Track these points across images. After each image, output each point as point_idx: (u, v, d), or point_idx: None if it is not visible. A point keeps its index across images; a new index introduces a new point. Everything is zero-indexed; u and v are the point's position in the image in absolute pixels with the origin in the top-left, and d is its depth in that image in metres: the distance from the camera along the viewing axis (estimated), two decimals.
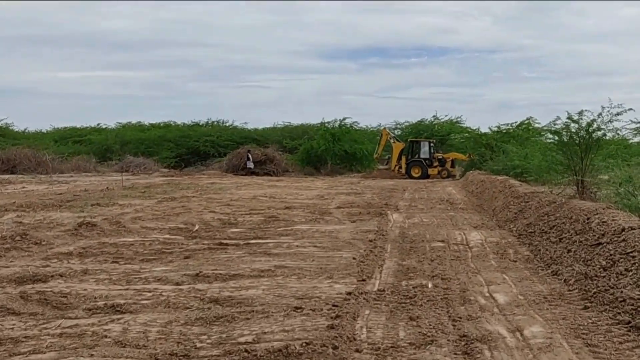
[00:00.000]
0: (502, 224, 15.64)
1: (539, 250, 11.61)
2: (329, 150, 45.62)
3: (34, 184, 29.07)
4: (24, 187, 27.03)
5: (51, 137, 57.59)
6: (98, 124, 59.95)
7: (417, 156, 41.64)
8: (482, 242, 12.98)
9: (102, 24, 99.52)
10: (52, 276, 9.67)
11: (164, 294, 8.68)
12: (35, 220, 15.76)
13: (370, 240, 13.05)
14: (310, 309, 7.76)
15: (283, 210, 18.59)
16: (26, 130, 61.97)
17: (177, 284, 9.27)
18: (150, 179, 33.29)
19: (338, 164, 46.31)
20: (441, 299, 8.35)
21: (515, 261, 11.05)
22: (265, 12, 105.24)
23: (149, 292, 8.79)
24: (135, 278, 9.61)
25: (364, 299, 8.33)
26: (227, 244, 12.66)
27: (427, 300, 8.25)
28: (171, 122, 61.19)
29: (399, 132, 55.15)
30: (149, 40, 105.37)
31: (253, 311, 7.67)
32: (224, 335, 6.76)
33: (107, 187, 25.93)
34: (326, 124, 50.57)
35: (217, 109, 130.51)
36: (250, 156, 42.94)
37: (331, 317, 7.35)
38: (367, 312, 7.69)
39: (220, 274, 9.82)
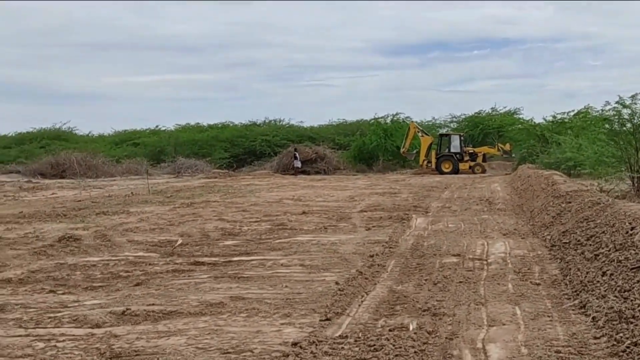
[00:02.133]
0: (536, 230, 12.94)
1: (570, 269, 8.95)
2: (381, 146, 43.00)
3: (68, 189, 27.36)
4: (53, 194, 25.32)
5: (111, 140, 56.45)
6: (156, 126, 58.51)
7: (447, 150, 38.66)
8: (504, 256, 10.36)
9: (171, 28, 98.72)
10: None
11: (59, 344, 6.45)
12: (17, 235, 13.78)
13: (372, 256, 10.58)
14: None
15: (298, 216, 16.23)
16: (89, 134, 61.08)
17: (93, 326, 7.03)
18: (190, 182, 31.33)
19: (390, 160, 43.61)
20: (415, 352, 5.88)
21: (539, 284, 8.44)
22: (327, 11, 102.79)
23: (46, 340, 6.58)
24: (51, 317, 7.38)
25: (311, 353, 5.91)
26: (202, 263, 10.36)
27: (395, 356, 5.79)
28: (229, 123, 59.22)
29: (455, 125, 52.11)
30: (215, 42, 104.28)
31: None
32: None
33: (132, 193, 23.97)
34: (379, 120, 47.99)
35: (282, 108, 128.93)
36: (297, 155, 40.61)
37: None
38: None
39: (155, 310, 7.51)
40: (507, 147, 39.14)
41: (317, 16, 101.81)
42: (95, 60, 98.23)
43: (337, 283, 8.64)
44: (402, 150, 40.89)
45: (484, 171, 37.23)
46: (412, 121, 44.36)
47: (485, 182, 27.64)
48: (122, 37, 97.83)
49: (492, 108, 53.64)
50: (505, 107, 53.51)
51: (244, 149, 50.58)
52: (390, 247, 11.37)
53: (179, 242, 12.37)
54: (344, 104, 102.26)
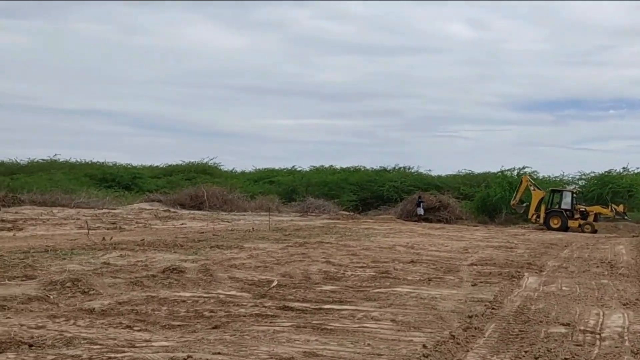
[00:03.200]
0: None
1: None
2: (505, 199, 40.76)
3: (198, 221, 27.17)
4: (182, 224, 25.15)
5: (251, 177, 56.86)
6: (293, 166, 58.50)
7: (557, 206, 35.97)
8: (621, 331, 8.75)
9: (318, 77, 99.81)
10: (20, 344, 6.87)
11: None
12: (127, 262, 13.29)
13: (471, 316, 9.24)
14: None
15: (405, 264, 14.98)
16: (233, 170, 61.91)
17: None
18: (313, 221, 30.57)
19: (513, 214, 41.29)
20: None
21: None
22: (464, 65, 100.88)
23: None
24: (111, 358, 6.56)
25: None
26: (290, 309, 9.35)
27: None
28: (360, 167, 58.48)
29: (583, 183, 49.02)
30: (357, 91, 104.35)
31: None
32: None
33: (253, 228, 23.39)
34: (505, 172, 45.86)
35: (414, 156, 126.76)
36: (421, 202, 39.16)
37: None
38: None
39: None
40: (621, 208, 36.08)
41: (454, 70, 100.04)
42: (248, 103, 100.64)
43: (424, 346, 7.39)
44: (512, 202, 38.62)
45: (594, 231, 34.33)
46: (525, 174, 41.99)
47: (609, 243, 25.24)
48: (274, 83, 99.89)
49: (623, 167, 50.01)
50: (638, 168, 49.75)
51: (372, 192, 49.57)
52: (493, 308, 9.96)
53: (275, 283, 11.42)
54: (474, 155, 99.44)
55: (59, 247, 15.34)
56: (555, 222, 35.36)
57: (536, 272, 14.67)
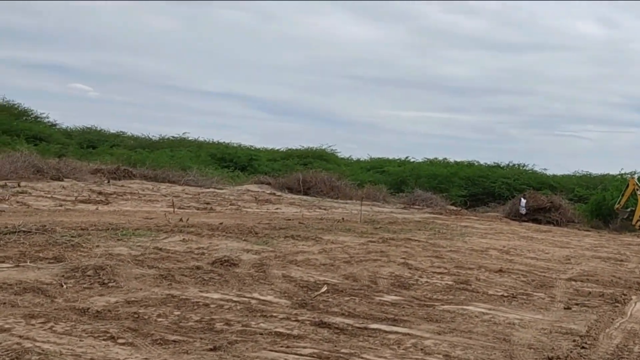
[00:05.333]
0: None
1: None
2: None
3: (295, 206, 25.38)
4: (277, 209, 23.44)
5: (364, 165, 54.80)
6: (406, 157, 55.86)
7: None
8: None
9: (442, 70, 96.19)
10: None
11: None
12: (183, 249, 11.59)
13: (552, 358, 6.84)
14: None
15: (491, 274, 12.49)
16: (349, 157, 60.22)
17: None
18: (413, 215, 28.13)
19: (630, 220, 37.14)
20: None
21: None
22: (589, 64, 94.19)
23: None
24: None
25: None
26: (326, 326, 7.26)
27: None
28: (474, 162, 55.19)
29: None
30: (480, 87, 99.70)
31: None
32: None
33: (343, 218, 21.31)
34: (624, 175, 41.48)
35: (533, 155, 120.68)
36: (523, 201, 35.76)
37: None
38: None
39: None
40: None
41: (579, 68, 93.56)
42: (372, 93, 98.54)
43: None
44: (616, 206, 34.48)
45: None
46: (632, 177, 37.50)
47: None
48: (398, 75, 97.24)
49: None
50: None
51: (483, 188, 46.26)
52: (583, 346, 7.46)
53: (324, 289, 9.31)
54: (594, 157, 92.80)
55: (128, 225, 13.88)
56: None
57: None
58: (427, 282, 11.01)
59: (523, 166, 52.51)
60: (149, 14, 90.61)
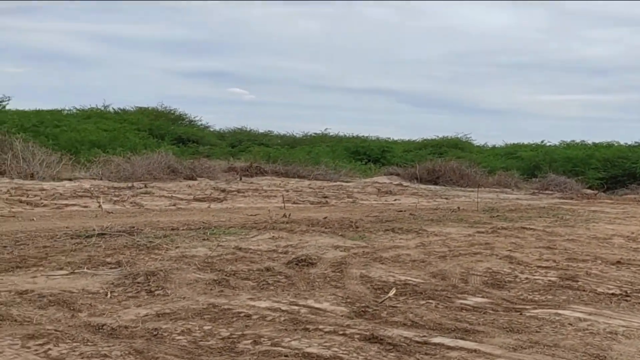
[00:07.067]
0: None
1: None
2: None
3: (416, 197, 23.73)
4: (396, 200, 21.95)
5: (499, 152, 51.64)
6: (542, 141, 51.94)
7: None
8: None
9: (584, 51, 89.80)
10: None
11: None
12: (267, 247, 10.53)
13: None
14: None
15: (607, 266, 10.39)
16: (484, 145, 57.17)
17: None
18: (541, 201, 25.55)
19: None
20: None
21: None
22: None
23: None
24: None
25: None
26: (378, 341, 5.84)
27: None
28: (614, 142, 50.30)
29: None
30: (626, 65, 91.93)
31: None
32: None
33: (458, 207, 19.43)
34: None
35: None
36: None
37: None
38: None
39: None
40: None
41: None
42: (512, 80, 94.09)
43: None
44: None
45: None
46: None
47: None
48: (538, 59, 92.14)
49: None
50: None
51: (623, 170, 41.84)
52: None
53: (392, 292, 7.83)
54: None
55: (227, 223, 13.08)
56: None
57: None
58: (526, 278, 9.23)
59: None
60: (296, 17, 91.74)
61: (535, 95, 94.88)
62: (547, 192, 31.88)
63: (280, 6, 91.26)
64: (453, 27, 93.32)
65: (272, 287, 7.79)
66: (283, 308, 6.81)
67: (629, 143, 49.17)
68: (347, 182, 28.98)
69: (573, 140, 52.01)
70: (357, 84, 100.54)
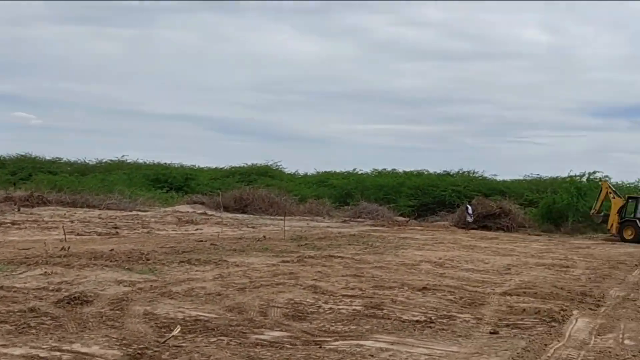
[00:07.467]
0: None
1: None
2: (572, 205, 35.37)
3: (220, 225, 23.38)
4: (197, 229, 21.44)
5: (310, 180, 52.89)
6: (354, 169, 54.04)
7: (632, 215, 30.51)
8: None
9: (393, 83, 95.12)
10: None
11: None
12: (35, 285, 9.55)
13: None
14: None
15: (414, 292, 10.71)
16: (295, 173, 58.12)
17: None
18: (352, 228, 26.36)
19: (580, 222, 35.85)
20: None
21: None
22: (539, 71, 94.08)
23: None
24: None
25: None
26: None
27: None
28: (424, 171, 53.58)
29: None
30: (433, 97, 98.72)
31: None
32: None
33: (264, 236, 19.38)
34: (574, 178, 40.31)
35: (487, 163, 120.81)
36: (469, 209, 34.35)
37: None
38: None
39: None
40: None
41: (529, 76, 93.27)
42: (325, 109, 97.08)
43: None
44: (591, 211, 33.24)
45: None
46: (605, 180, 36.28)
47: None
48: (350, 89, 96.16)
49: None
50: None
51: (433, 197, 44.67)
52: None
53: (177, 330, 7.33)
54: (547, 162, 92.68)
55: None
56: (628, 233, 30.05)
57: (590, 309, 10.12)
58: (330, 308, 9.17)
59: (473, 173, 51.05)
60: (93, 39, 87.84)
61: (346, 124, 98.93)
62: (359, 219, 33.00)
63: (75, 27, 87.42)
64: (260, 53, 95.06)
65: (33, 331, 6.96)
66: (42, 355, 6.05)
67: (438, 172, 52.63)
68: (144, 211, 27.93)
69: (384, 169, 54.65)
70: (160, 110, 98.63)
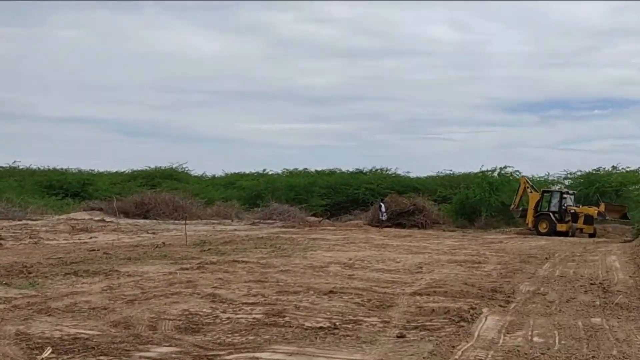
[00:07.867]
0: None
1: None
2: (484, 200, 36.16)
3: (117, 233, 22.52)
4: (91, 238, 20.55)
5: (219, 182, 52.15)
6: (264, 170, 53.67)
7: (547, 209, 31.63)
8: None
9: (301, 81, 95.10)
10: None
11: None
12: None
13: None
14: None
15: (320, 296, 10.43)
16: (203, 175, 57.17)
17: None
18: (261, 231, 25.95)
19: (493, 217, 36.68)
20: None
21: None
22: (448, 67, 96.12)
23: None
24: None
25: None
26: None
27: None
28: (336, 169, 53.65)
29: (569, 182, 44.29)
30: (342, 95, 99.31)
31: None
32: None
33: (164, 243, 18.74)
34: (486, 173, 41.17)
35: (399, 160, 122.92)
36: (383, 207, 34.62)
37: None
38: None
39: None
40: (602, 208, 31.35)
41: (438, 72, 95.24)
42: (232, 108, 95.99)
43: None
44: (511, 206, 34.05)
45: (592, 235, 29.94)
46: (523, 176, 37.20)
47: (599, 251, 20.40)
48: (257, 88, 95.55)
49: (613, 166, 44.68)
50: (629, 167, 44.23)
51: (346, 196, 44.83)
52: None
53: (47, 352, 6.75)
54: (458, 158, 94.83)
55: None
56: (543, 227, 30.99)
57: (500, 306, 10.09)
58: (228, 318, 8.76)
59: (386, 170, 51.47)
60: None
61: (255, 124, 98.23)
62: (269, 221, 32.61)
63: None
64: (162, 52, 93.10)
65: None
66: None
67: (350, 170, 52.88)
68: (35, 220, 26.67)
69: (296, 169, 54.46)
70: (54, 113, 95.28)
